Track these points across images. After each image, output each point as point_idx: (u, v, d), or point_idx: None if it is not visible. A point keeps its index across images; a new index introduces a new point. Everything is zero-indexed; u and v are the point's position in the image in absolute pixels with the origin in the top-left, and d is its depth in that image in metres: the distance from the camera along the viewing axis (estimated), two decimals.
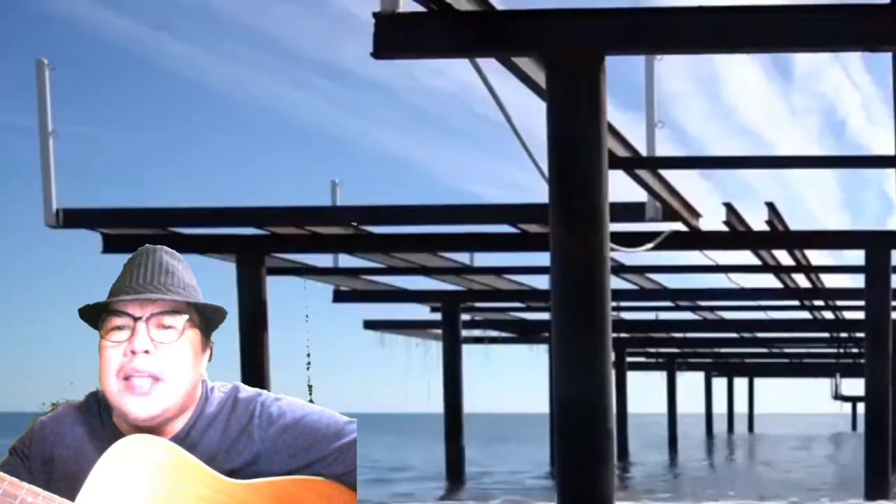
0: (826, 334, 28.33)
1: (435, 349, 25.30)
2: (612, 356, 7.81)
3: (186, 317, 2.47)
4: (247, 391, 2.59)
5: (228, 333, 13.52)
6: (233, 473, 2.46)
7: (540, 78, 7.68)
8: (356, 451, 2.54)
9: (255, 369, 14.53)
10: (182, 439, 2.48)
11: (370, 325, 26.48)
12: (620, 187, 11.01)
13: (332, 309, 20.46)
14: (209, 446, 2.49)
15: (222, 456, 2.49)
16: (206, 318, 2.54)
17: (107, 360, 2.42)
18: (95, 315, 2.47)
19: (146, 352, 2.41)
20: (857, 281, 18.56)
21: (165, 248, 2.52)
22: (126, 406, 2.42)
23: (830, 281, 19.57)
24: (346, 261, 17.04)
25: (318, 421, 2.55)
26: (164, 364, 2.42)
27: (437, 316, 22.60)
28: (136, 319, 2.42)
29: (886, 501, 15.61)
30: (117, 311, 2.43)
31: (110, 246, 14.06)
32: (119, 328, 2.43)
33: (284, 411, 2.55)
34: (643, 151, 10.35)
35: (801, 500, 18.64)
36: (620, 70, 9.05)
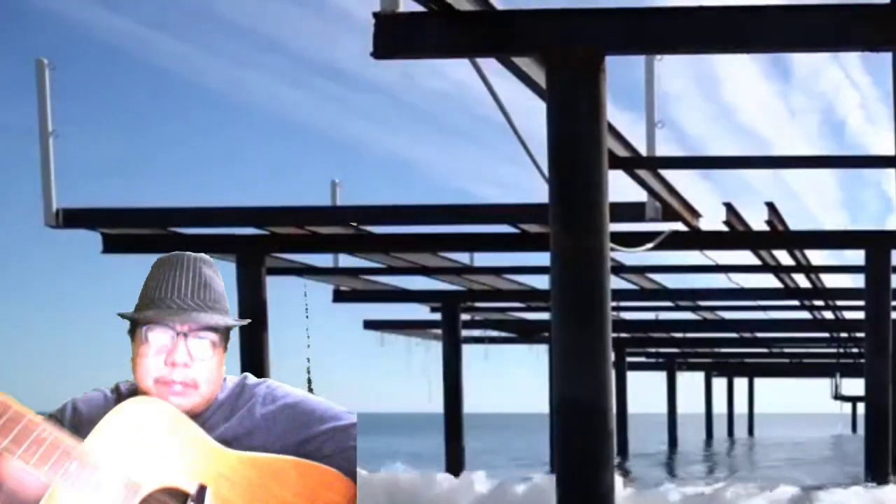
0: (826, 334, 28.30)
1: (435, 349, 25.27)
2: (612, 356, 7.81)
3: (222, 335, 2.67)
4: (254, 379, 2.79)
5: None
6: (228, 442, 2.60)
7: (540, 78, 7.68)
8: (356, 438, 2.68)
9: (254, 369, 14.43)
10: (192, 419, 2.63)
11: (370, 325, 26.45)
12: (620, 187, 11.02)
13: (332, 309, 20.46)
14: (215, 424, 2.66)
15: (221, 426, 2.65)
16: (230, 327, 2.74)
17: (145, 367, 2.61)
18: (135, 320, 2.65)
19: (185, 364, 2.60)
20: (857, 281, 18.57)
21: (202, 256, 2.71)
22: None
23: (830, 281, 19.58)
24: (346, 261, 17.04)
25: (318, 404, 2.72)
26: (199, 375, 2.62)
27: (437, 316, 22.58)
28: (177, 334, 2.60)
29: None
30: (161, 324, 2.61)
31: (110, 246, 14.06)
32: (162, 338, 2.61)
33: (288, 393, 2.74)
34: (643, 151, 10.35)
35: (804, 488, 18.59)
36: (620, 70, 9.05)
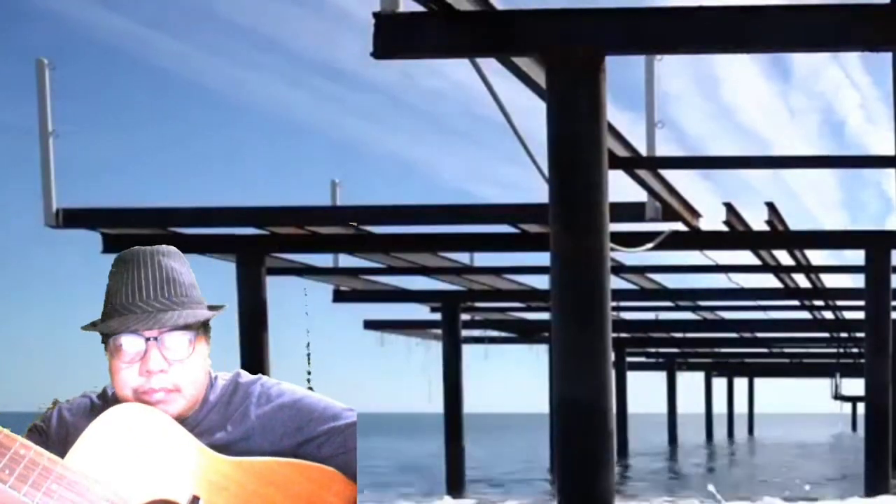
0: (826, 334, 28.31)
1: (435, 349, 25.26)
2: (612, 356, 7.81)
3: (197, 329, 2.48)
4: (247, 376, 2.62)
5: (228, 333, 13.52)
6: (224, 448, 2.46)
7: (540, 78, 7.68)
8: (355, 437, 2.54)
9: (254, 369, 14.39)
10: (182, 423, 2.48)
11: (370, 325, 26.46)
12: (620, 187, 11.02)
13: (332, 309, 20.47)
14: (208, 426, 2.50)
15: (216, 430, 2.49)
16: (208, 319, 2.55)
17: (122, 379, 2.42)
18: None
19: (162, 371, 2.42)
20: (857, 281, 18.57)
21: (162, 248, 2.49)
22: None
23: (830, 281, 19.58)
24: (346, 261, 17.04)
25: (315, 403, 2.55)
26: (179, 378, 2.44)
27: (437, 316, 22.57)
28: (147, 340, 2.41)
29: (888, 496, 15.58)
30: (129, 331, 2.42)
31: (110, 246, 14.06)
32: (132, 346, 2.42)
33: (284, 392, 2.57)
34: (643, 151, 10.35)
35: (801, 496, 18.64)
36: (620, 70, 9.05)
